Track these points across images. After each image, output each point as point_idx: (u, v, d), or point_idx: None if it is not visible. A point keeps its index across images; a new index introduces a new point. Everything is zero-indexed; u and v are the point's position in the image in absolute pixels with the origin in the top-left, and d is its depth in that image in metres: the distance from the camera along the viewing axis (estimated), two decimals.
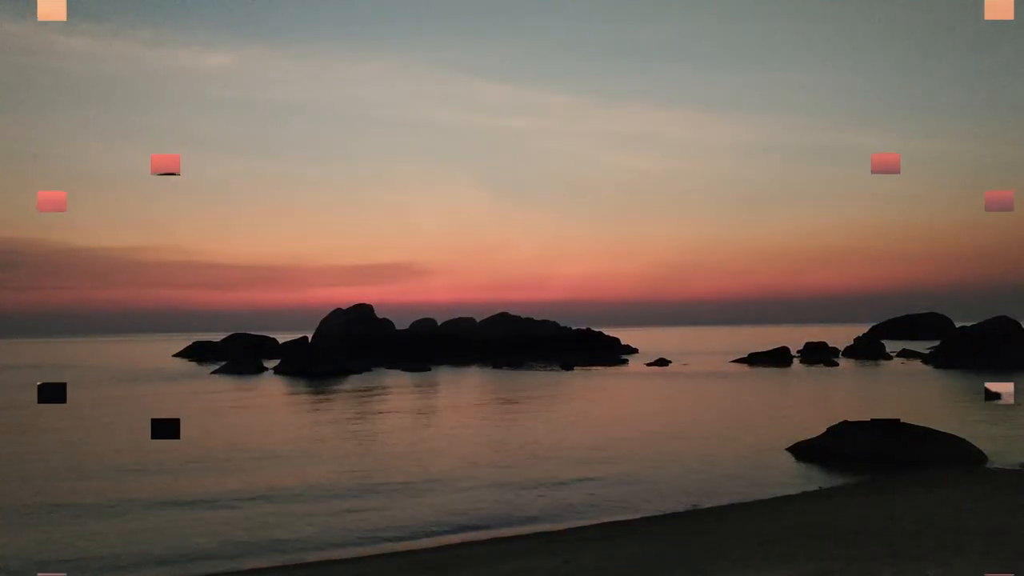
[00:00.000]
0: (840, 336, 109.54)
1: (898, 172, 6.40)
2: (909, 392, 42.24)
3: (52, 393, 6.37)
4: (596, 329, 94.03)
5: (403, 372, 65.43)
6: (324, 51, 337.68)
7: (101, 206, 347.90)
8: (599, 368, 69.47)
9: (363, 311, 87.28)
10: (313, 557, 13.12)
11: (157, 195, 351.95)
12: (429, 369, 67.99)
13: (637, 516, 15.46)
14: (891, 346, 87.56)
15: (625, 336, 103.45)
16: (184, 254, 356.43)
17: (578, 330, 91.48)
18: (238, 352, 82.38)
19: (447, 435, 27.96)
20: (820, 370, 62.32)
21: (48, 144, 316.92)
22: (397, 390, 48.35)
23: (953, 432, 22.77)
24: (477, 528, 14.87)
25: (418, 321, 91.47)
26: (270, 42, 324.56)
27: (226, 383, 55.09)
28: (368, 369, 67.68)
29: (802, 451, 22.62)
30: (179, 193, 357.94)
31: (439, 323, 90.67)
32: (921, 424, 23.34)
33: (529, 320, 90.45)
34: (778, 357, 73.33)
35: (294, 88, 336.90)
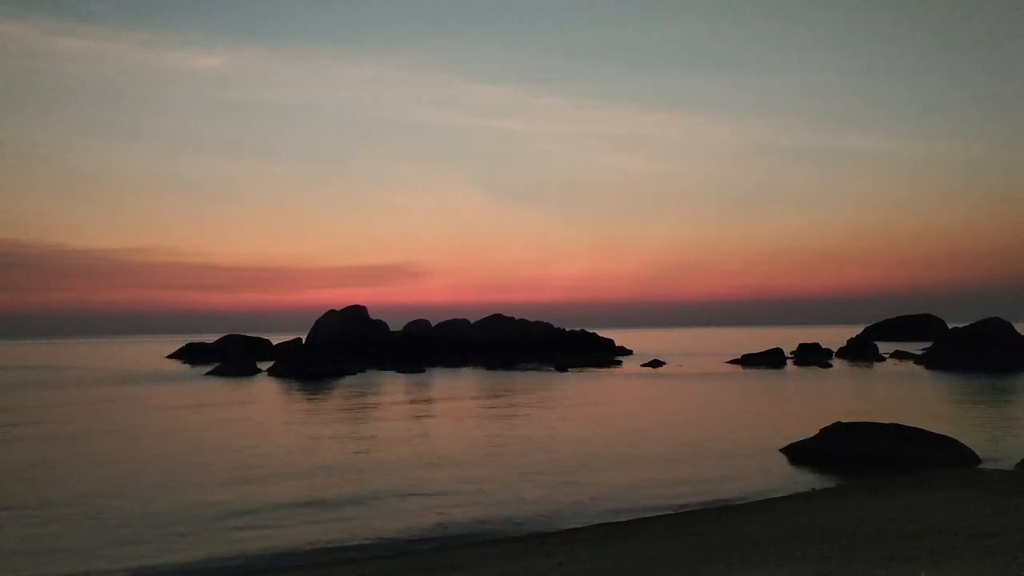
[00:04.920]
0: (833, 337, 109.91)
1: None
2: (902, 393, 42.36)
3: None
4: (590, 330, 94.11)
5: (397, 373, 65.36)
6: (319, 54, 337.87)
7: (98, 207, 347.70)
8: (593, 369, 69.50)
9: (357, 312, 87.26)
10: (307, 559, 13.06)
11: (153, 197, 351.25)
12: (423, 370, 67.93)
13: (631, 517, 15.45)
14: (884, 347, 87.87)
15: (619, 337, 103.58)
16: (179, 255, 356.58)
17: (572, 331, 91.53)
18: (232, 353, 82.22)
19: (441, 436, 27.91)
20: (813, 371, 62.45)
21: (47, 145, 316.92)
22: (391, 391, 48.27)
23: (946, 433, 22.85)
24: (471, 530, 14.83)
25: (412, 322, 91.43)
26: (266, 45, 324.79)
27: (219, 384, 54.96)
28: (362, 370, 67.62)
29: (795, 452, 22.64)
30: (175, 195, 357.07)
31: (433, 324, 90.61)
32: (914, 425, 23.41)
33: (523, 321, 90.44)
34: (771, 358, 73.55)
35: (290, 90, 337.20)
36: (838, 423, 23.07)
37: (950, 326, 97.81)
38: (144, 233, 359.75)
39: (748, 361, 73.67)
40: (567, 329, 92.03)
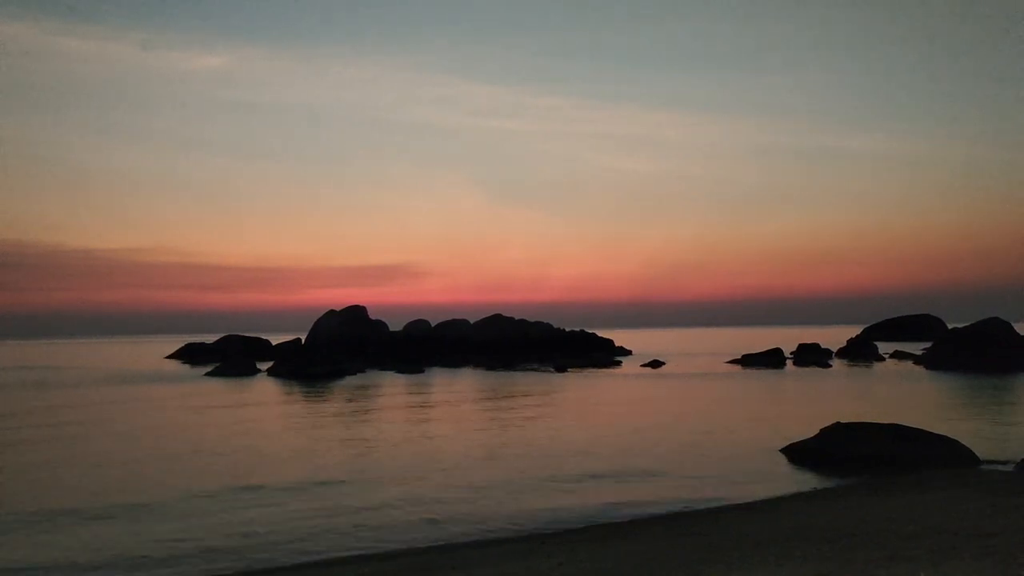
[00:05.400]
0: (833, 337, 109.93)
1: None
2: (902, 393, 42.36)
3: None
4: (590, 331, 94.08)
5: (397, 373, 65.34)
6: (319, 54, 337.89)
7: (98, 207, 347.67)
8: (592, 370, 69.49)
9: (357, 312, 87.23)
10: (307, 559, 13.06)
11: (153, 197, 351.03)
12: (423, 370, 67.91)
13: (631, 518, 15.45)
14: (884, 347, 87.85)
15: (619, 338, 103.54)
16: (179, 255, 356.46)
17: (571, 332, 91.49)
18: (231, 353, 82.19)
19: (440, 436, 27.91)
20: (813, 371, 62.46)
21: (47, 145, 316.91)
22: (391, 391, 48.27)
23: (946, 433, 22.84)
24: (471, 530, 14.83)
25: (412, 322, 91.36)
26: (266, 45, 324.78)
27: (218, 385, 54.94)
28: (362, 370, 67.59)
29: (795, 453, 22.64)
30: (175, 195, 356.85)
31: (433, 324, 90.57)
32: (914, 425, 23.41)
33: (522, 322, 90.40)
34: (771, 358, 73.54)
35: (290, 90, 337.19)
36: (838, 423, 23.06)
37: (950, 326, 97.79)
38: (144, 233, 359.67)
39: (748, 361, 73.67)
40: (567, 329, 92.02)
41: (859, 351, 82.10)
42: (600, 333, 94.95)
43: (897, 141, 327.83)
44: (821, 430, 23.09)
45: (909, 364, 69.26)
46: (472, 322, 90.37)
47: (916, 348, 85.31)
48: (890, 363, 72.19)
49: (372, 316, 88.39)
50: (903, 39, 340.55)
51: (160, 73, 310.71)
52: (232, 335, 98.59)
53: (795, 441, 23.50)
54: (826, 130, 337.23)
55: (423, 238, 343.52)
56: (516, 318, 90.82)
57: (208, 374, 65.21)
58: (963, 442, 21.91)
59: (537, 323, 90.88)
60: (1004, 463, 20.22)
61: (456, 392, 47.49)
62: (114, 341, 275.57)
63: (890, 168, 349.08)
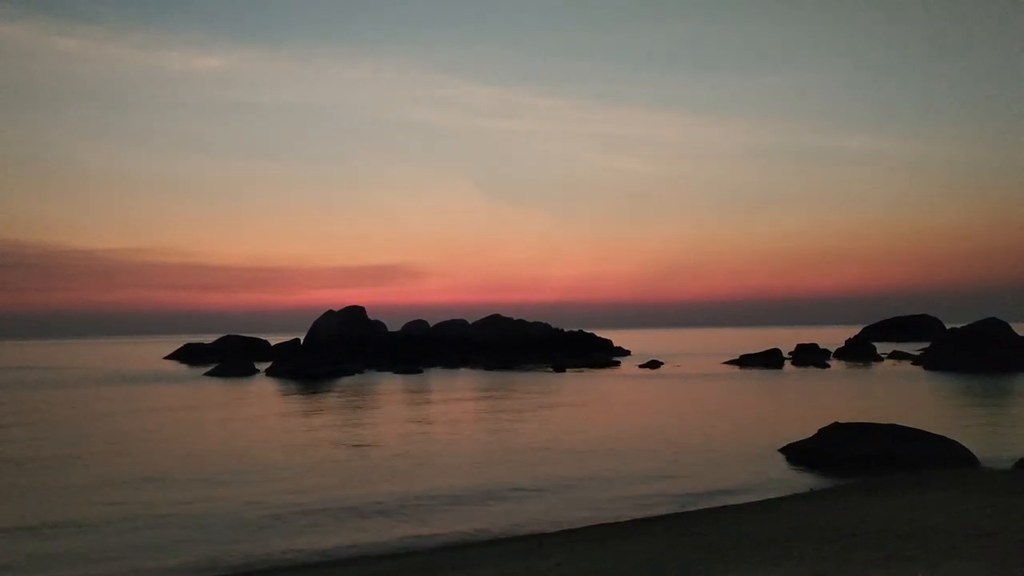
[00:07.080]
0: (831, 338, 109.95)
1: None
2: (900, 393, 42.39)
3: None
4: (588, 331, 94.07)
5: (395, 374, 65.33)
6: (319, 54, 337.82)
7: (98, 207, 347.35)
8: (591, 370, 69.52)
9: (355, 313, 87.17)
10: (307, 560, 13.06)
11: (153, 197, 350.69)
12: (421, 371, 67.91)
13: (630, 518, 15.46)
14: (882, 348, 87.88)
15: (617, 338, 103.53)
16: (179, 255, 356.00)
17: (570, 332, 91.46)
18: (230, 354, 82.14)
19: (439, 437, 27.92)
20: (811, 372, 62.49)
21: (47, 145, 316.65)
22: (389, 392, 48.26)
23: (944, 433, 22.85)
24: (470, 530, 14.83)
25: (410, 323, 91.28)
26: (266, 45, 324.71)
27: (217, 385, 54.91)
28: (360, 371, 67.58)
29: (793, 453, 22.65)
30: (175, 195, 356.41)
31: (432, 325, 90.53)
32: (913, 425, 23.43)
33: (521, 322, 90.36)
34: (769, 359, 73.56)
35: (287, 91, 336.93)
36: (836, 423, 23.07)
37: (948, 326, 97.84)
38: (144, 233, 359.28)
39: (746, 361, 73.66)
40: (565, 329, 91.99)
41: (857, 351, 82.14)
42: (599, 333, 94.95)
43: (897, 141, 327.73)
44: (820, 430, 23.10)
45: (907, 364, 69.31)
46: (471, 322, 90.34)
47: (914, 348, 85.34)
48: (888, 363, 72.23)
49: (371, 316, 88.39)
50: (903, 39, 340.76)
51: (159, 74, 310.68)
52: (231, 335, 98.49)
53: (794, 441, 23.51)
54: (826, 130, 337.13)
55: (422, 238, 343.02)
56: (515, 318, 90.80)
57: (207, 374, 65.18)
58: (962, 442, 21.93)
59: (536, 323, 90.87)
60: (1004, 463, 20.23)
61: (454, 392, 47.48)
62: (114, 341, 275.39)
63: (890, 168, 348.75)
